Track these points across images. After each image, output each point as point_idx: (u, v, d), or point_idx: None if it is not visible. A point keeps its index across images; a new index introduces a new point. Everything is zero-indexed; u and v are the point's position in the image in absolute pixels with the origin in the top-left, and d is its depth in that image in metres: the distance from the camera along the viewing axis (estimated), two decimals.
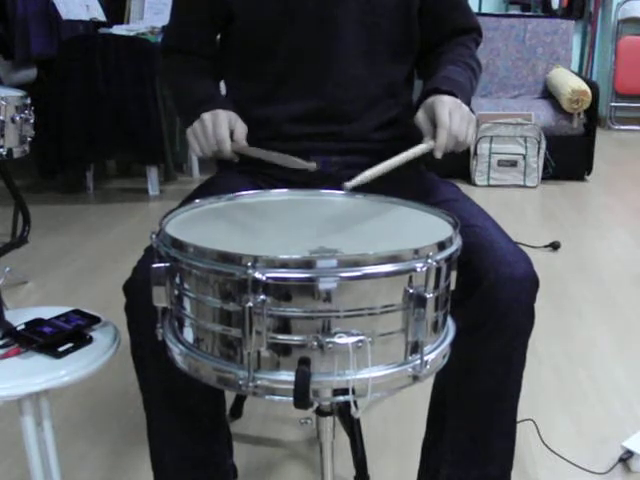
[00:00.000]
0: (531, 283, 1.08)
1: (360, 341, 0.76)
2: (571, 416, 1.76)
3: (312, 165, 1.11)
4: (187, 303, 0.82)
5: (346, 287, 0.75)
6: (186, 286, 0.81)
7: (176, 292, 0.82)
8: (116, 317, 1.20)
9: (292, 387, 0.76)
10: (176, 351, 0.85)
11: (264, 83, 1.29)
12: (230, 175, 1.30)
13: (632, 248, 3.06)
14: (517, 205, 3.72)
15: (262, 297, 0.74)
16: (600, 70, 6.10)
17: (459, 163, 4.08)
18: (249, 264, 0.74)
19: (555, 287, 2.57)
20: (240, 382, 0.78)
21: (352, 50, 1.25)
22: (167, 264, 0.82)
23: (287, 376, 0.77)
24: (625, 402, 1.82)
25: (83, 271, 2.73)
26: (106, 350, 1.16)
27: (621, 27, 5.87)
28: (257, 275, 0.74)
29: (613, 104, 5.94)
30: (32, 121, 2.13)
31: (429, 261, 0.78)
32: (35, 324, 1.20)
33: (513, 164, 4.03)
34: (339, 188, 1.12)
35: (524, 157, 4.02)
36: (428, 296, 0.78)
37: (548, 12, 5.63)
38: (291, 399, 0.76)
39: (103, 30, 3.78)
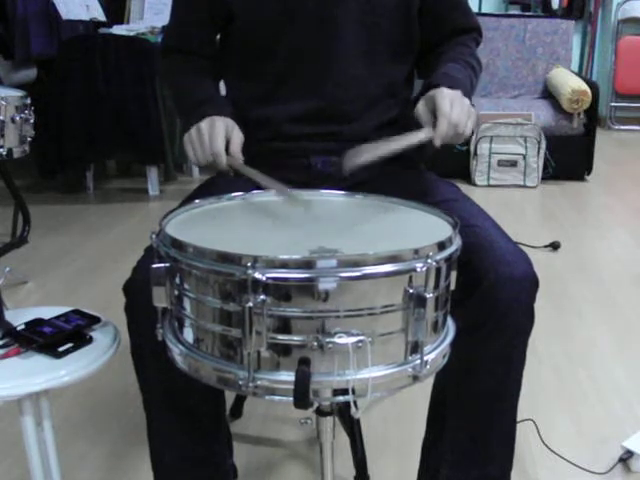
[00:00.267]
0: (531, 283, 1.08)
1: (360, 341, 0.76)
2: (571, 416, 1.76)
3: (287, 191, 1.06)
4: (187, 303, 0.82)
5: (346, 287, 0.75)
6: (186, 286, 0.81)
7: (176, 292, 0.82)
8: (116, 317, 1.20)
9: (292, 387, 0.76)
10: (176, 351, 0.85)
11: (264, 83, 1.29)
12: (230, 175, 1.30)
13: (632, 248, 3.06)
14: (517, 205, 3.72)
15: (262, 297, 0.74)
16: (600, 70, 6.10)
17: (459, 163, 4.08)
18: (249, 264, 0.74)
19: (555, 287, 2.57)
20: (240, 382, 0.78)
21: (352, 50, 1.25)
22: (167, 264, 0.82)
23: (287, 376, 0.77)
24: (625, 402, 1.82)
25: (83, 271, 2.73)
26: (106, 350, 1.16)
27: (621, 27, 5.87)
28: (257, 275, 0.74)
29: (613, 104, 5.94)
30: (32, 121, 2.13)
31: (429, 261, 0.78)
32: (35, 324, 1.20)
33: (513, 164, 4.03)
34: (339, 188, 1.13)
35: (524, 157, 4.01)
36: (428, 296, 0.78)
37: (548, 12, 5.63)
38: (291, 399, 0.76)
39: (103, 30, 3.78)
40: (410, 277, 0.78)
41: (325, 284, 0.75)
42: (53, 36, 3.75)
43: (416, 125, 1.16)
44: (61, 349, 1.13)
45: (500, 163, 4.04)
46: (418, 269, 0.77)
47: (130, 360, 1.11)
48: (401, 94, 1.33)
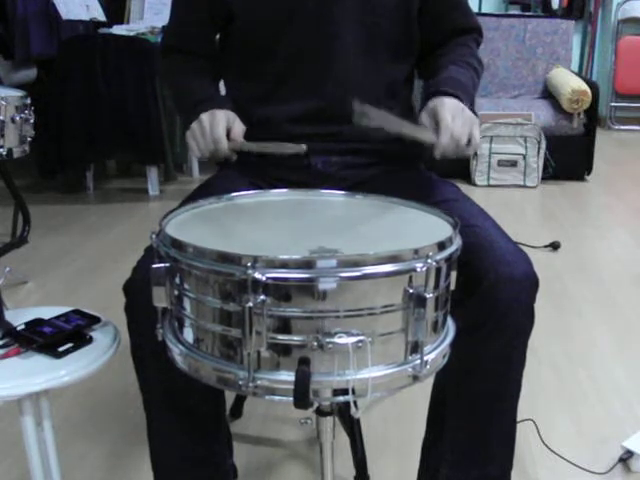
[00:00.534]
0: (531, 283, 1.08)
1: (360, 341, 0.76)
2: (571, 416, 1.76)
3: (302, 147, 1.14)
4: (187, 303, 0.82)
5: (346, 287, 0.75)
6: (186, 286, 0.81)
7: (176, 292, 0.82)
8: (116, 317, 1.20)
9: (292, 387, 0.76)
10: (176, 351, 0.85)
11: (264, 83, 1.29)
12: (230, 175, 1.30)
13: (632, 248, 3.06)
14: (517, 205, 3.72)
15: (262, 297, 0.74)
16: (600, 70, 6.10)
17: (459, 163, 4.07)
18: (249, 264, 0.74)
19: (555, 287, 2.57)
20: (240, 382, 0.78)
21: (352, 50, 1.25)
22: (167, 264, 0.82)
23: (287, 376, 0.77)
24: (625, 402, 1.82)
25: (83, 271, 2.73)
26: (106, 350, 1.16)
27: (621, 27, 5.87)
28: (257, 275, 0.74)
29: (613, 104, 5.94)
30: (32, 121, 2.13)
31: (429, 261, 0.78)
32: (35, 324, 1.20)
33: (513, 164, 4.03)
34: (339, 188, 1.13)
35: (524, 157, 4.01)
36: (428, 296, 0.78)
37: (548, 12, 5.64)
38: (291, 399, 0.76)
39: (103, 30, 3.78)
40: (410, 277, 0.78)
41: (325, 284, 0.75)
42: (53, 36, 3.75)
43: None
44: (61, 349, 1.13)
45: (500, 163, 4.04)
46: (418, 269, 0.77)
47: (130, 360, 1.11)
48: (401, 94, 1.33)
